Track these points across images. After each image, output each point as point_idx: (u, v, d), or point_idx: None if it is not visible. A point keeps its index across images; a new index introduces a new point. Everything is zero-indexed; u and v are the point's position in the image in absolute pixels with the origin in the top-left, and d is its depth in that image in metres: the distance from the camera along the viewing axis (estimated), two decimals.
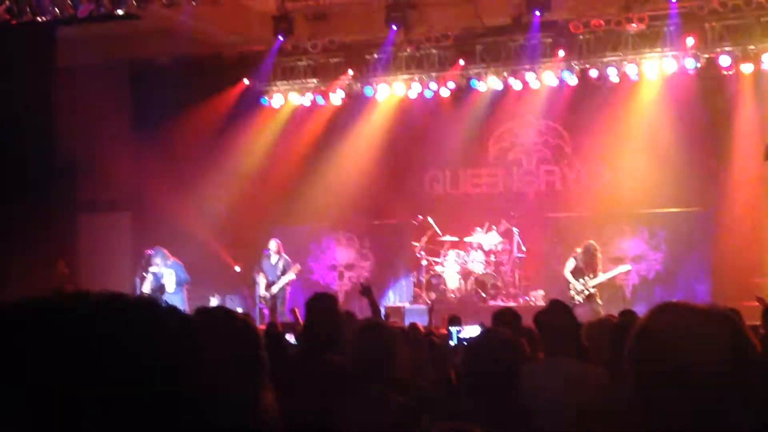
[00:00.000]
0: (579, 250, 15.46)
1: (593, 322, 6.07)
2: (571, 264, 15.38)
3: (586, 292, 15.16)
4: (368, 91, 18.76)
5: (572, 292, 15.20)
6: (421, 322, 10.07)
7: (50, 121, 18.53)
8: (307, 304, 5.52)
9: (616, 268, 15.73)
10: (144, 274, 16.35)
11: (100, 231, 19.74)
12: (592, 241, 15.61)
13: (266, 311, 16.28)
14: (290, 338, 8.11)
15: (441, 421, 3.65)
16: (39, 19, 15.70)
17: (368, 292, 7.78)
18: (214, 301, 16.77)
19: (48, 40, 18.05)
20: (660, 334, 2.02)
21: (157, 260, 16.08)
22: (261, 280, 16.45)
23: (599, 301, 15.24)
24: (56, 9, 15.47)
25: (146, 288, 16.27)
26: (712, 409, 1.93)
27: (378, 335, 4.68)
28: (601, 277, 15.32)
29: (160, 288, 16.06)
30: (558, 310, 5.49)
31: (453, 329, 8.85)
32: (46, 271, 16.99)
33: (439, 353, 7.21)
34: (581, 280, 15.21)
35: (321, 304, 5.46)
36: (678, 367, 1.95)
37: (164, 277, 16.03)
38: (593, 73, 17.47)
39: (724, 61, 16.59)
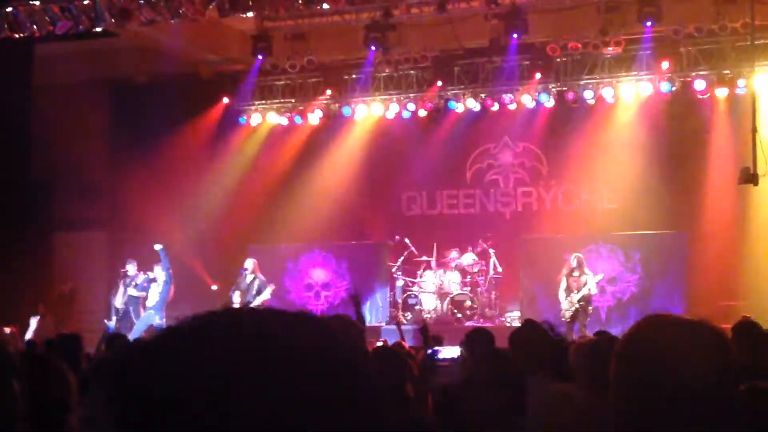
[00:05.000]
0: (566, 267, 15.58)
1: (583, 342, 6.06)
2: (563, 284, 15.51)
3: (573, 309, 15.27)
4: (346, 111, 18.80)
5: (563, 311, 15.34)
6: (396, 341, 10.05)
7: (27, 138, 18.44)
8: None
9: (593, 279, 15.80)
10: (121, 288, 16.30)
11: (75, 249, 19.61)
12: (578, 254, 15.74)
13: None
14: None
15: None
16: (17, 35, 15.65)
17: (356, 300, 7.79)
18: None
19: (26, 57, 17.97)
20: (646, 345, 2.04)
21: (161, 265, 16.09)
22: (237, 299, 16.41)
23: (589, 312, 15.38)
24: (34, 26, 15.43)
25: (118, 302, 16.21)
26: (696, 419, 1.94)
27: (394, 365, 4.47)
28: (583, 291, 15.41)
29: (142, 300, 16.05)
30: (532, 329, 5.48)
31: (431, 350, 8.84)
32: (33, 288, 17.02)
33: (420, 374, 7.19)
34: (569, 298, 15.35)
35: None
36: (664, 378, 1.96)
37: (152, 289, 16.03)
38: (570, 95, 17.60)
39: (699, 85, 16.79)
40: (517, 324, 16.68)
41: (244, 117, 19.45)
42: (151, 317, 15.85)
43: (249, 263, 16.64)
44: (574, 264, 15.57)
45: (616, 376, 2.05)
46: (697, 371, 1.95)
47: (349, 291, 9.21)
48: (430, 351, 8.75)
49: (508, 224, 18.83)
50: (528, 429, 4.16)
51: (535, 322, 5.63)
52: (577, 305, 15.33)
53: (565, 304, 15.36)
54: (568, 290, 15.45)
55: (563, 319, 15.20)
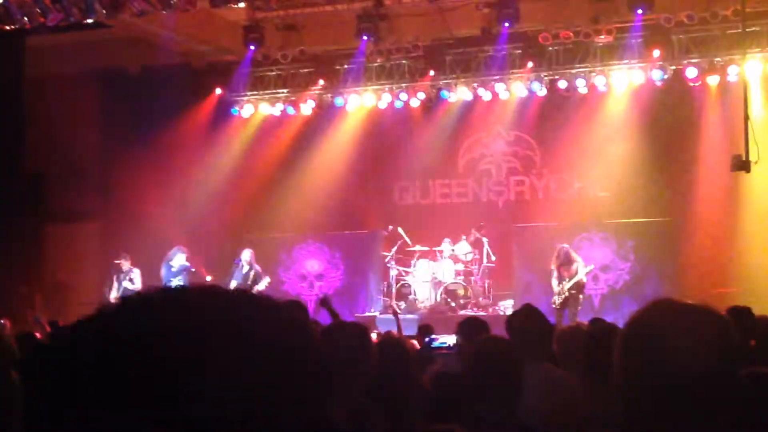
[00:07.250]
0: (555, 257, 15.59)
1: (565, 329, 6.10)
2: (555, 272, 15.54)
3: (563, 296, 15.28)
4: (339, 101, 18.79)
5: (554, 297, 15.36)
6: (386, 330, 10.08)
7: (19, 130, 18.39)
8: None
9: (584, 269, 15.82)
10: (115, 282, 16.30)
11: (68, 241, 19.59)
12: (564, 245, 15.73)
13: None
14: None
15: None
16: (8, 27, 15.61)
17: (326, 302, 7.80)
18: None
19: (17, 49, 17.92)
20: (651, 329, 2.05)
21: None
22: None
23: (580, 300, 15.38)
24: (25, 17, 15.39)
25: (113, 297, 16.21)
26: (698, 403, 1.96)
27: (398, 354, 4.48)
28: (574, 279, 15.42)
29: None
30: (531, 314, 5.49)
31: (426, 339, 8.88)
32: (25, 280, 17.01)
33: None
34: (560, 285, 15.37)
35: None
36: (667, 362, 1.98)
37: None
38: (562, 84, 17.62)
39: (691, 72, 16.82)
40: (510, 312, 16.78)
41: (237, 108, 19.44)
42: None
43: (246, 254, 16.62)
44: (563, 254, 15.57)
45: (621, 361, 2.07)
46: (701, 355, 1.98)
47: (319, 297, 9.26)
48: (426, 339, 8.80)
49: (501, 213, 18.86)
50: (523, 413, 4.19)
51: (533, 307, 5.64)
52: (567, 293, 15.34)
53: (556, 289, 15.39)
54: (560, 278, 15.48)
55: (553, 307, 15.21)
